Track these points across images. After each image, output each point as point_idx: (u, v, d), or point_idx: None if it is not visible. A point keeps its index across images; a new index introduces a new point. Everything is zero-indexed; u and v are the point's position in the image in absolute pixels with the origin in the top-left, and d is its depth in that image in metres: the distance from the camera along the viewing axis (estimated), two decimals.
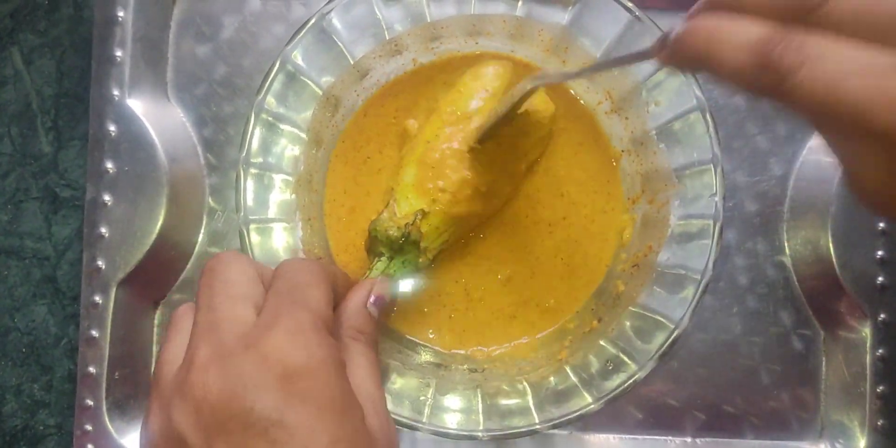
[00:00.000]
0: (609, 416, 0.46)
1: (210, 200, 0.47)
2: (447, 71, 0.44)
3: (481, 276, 0.44)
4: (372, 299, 0.36)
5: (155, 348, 0.47)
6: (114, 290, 0.45)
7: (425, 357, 0.43)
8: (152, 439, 0.28)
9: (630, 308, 0.39)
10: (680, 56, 0.25)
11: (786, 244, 0.47)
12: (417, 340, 0.43)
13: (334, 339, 0.29)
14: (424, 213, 0.40)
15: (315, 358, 0.28)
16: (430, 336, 0.44)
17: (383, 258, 0.40)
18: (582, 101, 0.44)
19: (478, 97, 0.42)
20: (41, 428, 0.47)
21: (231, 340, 0.28)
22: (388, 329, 0.43)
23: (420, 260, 0.40)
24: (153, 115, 0.46)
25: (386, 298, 0.36)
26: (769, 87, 0.23)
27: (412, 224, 0.39)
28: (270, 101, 0.39)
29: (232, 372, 0.27)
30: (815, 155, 0.46)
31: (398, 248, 0.40)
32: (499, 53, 0.44)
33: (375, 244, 0.40)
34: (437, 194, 0.40)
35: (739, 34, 0.23)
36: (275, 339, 0.27)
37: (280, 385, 0.27)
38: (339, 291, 0.34)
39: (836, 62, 0.22)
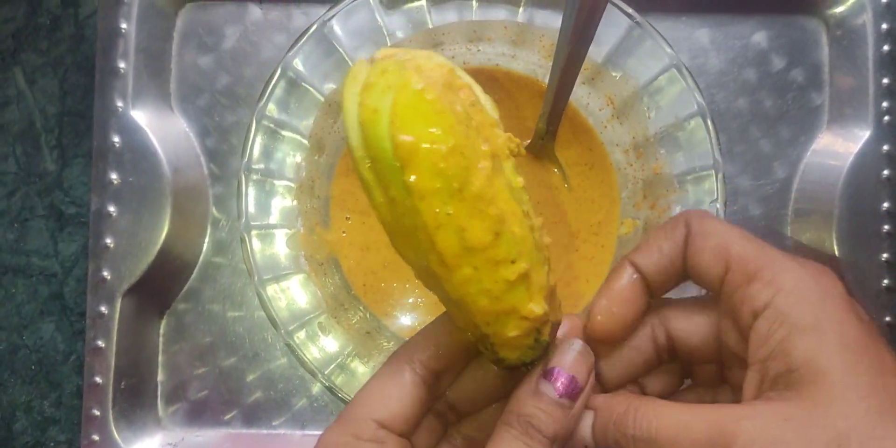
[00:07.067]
0: None
1: (214, 210, 0.47)
2: None
3: None
4: (558, 380, 0.25)
5: (161, 358, 0.47)
6: (119, 300, 0.45)
7: None
8: None
9: None
10: None
11: (791, 247, 0.46)
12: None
13: None
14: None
15: None
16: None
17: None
18: (581, 109, 0.44)
19: None
20: (52, 444, 0.47)
21: None
22: (382, 326, 0.43)
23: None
24: (156, 125, 0.46)
25: (580, 379, 0.25)
26: None
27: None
28: (272, 107, 0.39)
29: None
30: (819, 158, 0.46)
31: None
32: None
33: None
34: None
35: None
36: None
37: None
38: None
39: None
